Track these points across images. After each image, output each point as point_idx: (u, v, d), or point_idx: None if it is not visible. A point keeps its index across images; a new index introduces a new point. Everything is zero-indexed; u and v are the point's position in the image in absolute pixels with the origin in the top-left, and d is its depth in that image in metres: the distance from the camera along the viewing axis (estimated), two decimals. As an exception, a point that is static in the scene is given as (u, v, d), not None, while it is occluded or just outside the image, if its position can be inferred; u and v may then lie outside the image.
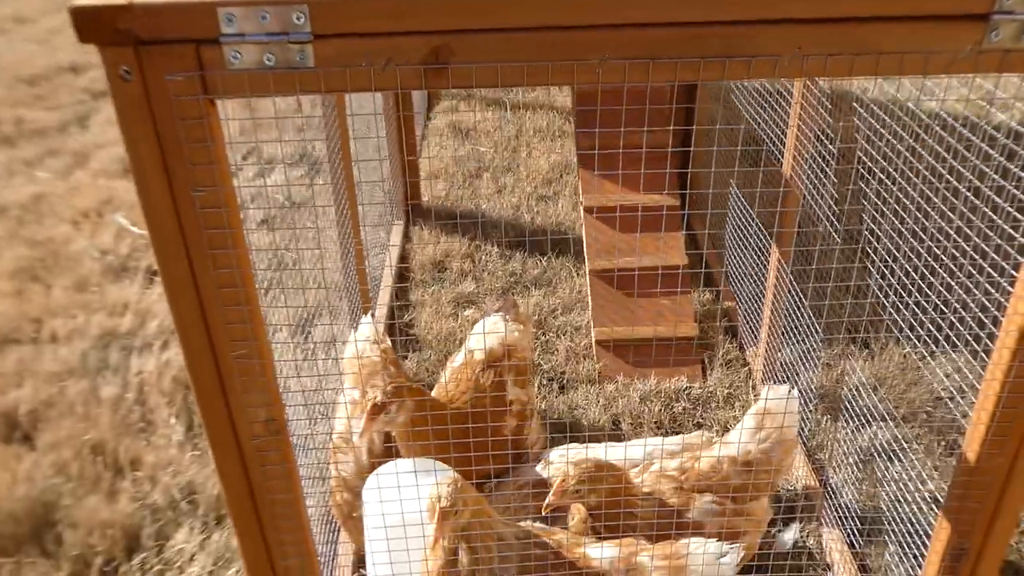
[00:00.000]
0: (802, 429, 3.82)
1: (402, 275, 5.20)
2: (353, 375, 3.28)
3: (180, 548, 3.49)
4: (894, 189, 2.84)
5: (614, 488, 2.62)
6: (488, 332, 3.40)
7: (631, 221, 4.53)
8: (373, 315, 3.88)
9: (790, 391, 2.82)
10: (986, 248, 2.42)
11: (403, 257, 5.38)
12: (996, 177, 2.33)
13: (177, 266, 1.72)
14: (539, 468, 3.09)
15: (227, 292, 1.77)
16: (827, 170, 3.34)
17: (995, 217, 2.36)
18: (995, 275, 2.32)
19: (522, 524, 2.62)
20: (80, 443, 4.00)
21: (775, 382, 2.88)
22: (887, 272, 2.91)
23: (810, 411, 3.83)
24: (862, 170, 3.00)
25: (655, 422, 3.98)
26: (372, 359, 3.30)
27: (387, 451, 3.05)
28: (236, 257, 1.72)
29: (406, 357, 4.51)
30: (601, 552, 2.50)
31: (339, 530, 3.48)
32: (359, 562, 3.31)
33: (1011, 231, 2.26)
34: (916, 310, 2.74)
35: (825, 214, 3.39)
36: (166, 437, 4.10)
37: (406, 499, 2.41)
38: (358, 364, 3.29)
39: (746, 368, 4.33)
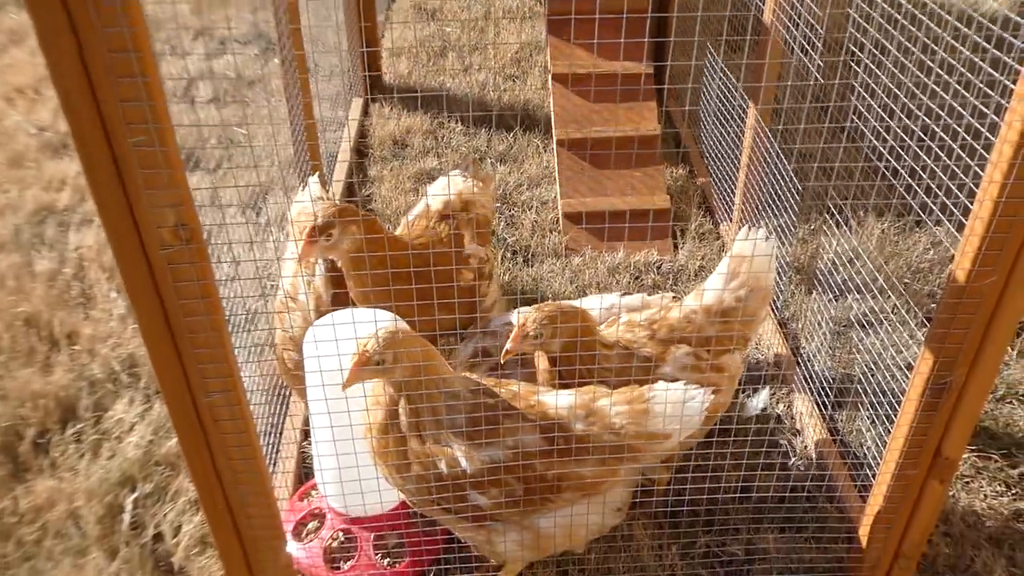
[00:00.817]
0: (776, 297, 3.66)
1: (360, 151, 4.91)
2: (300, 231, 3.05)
3: (119, 419, 3.29)
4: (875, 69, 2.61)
5: (577, 333, 2.43)
6: (446, 186, 3.16)
7: (602, 89, 4.26)
8: (321, 177, 3.61)
9: (767, 236, 2.61)
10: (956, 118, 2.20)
11: (362, 133, 5.08)
12: (976, 59, 2.09)
13: (52, 16, 1.44)
14: (498, 323, 2.89)
15: (118, 58, 1.50)
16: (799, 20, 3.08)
17: (967, 95, 2.14)
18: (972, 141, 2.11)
19: (473, 376, 2.43)
20: (11, 315, 3.75)
21: (751, 227, 2.67)
22: (861, 141, 2.70)
23: (784, 283, 3.66)
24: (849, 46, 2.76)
25: (623, 294, 3.80)
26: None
27: (336, 306, 2.84)
28: (123, 6, 1.44)
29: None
30: (556, 399, 2.32)
31: (287, 401, 3.29)
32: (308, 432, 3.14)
33: (983, 107, 2.03)
34: (901, 175, 2.54)
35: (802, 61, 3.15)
36: (106, 311, 3.85)
37: (344, 351, 2.20)
38: (298, 219, 3.06)
39: (719, 241, 4.14)
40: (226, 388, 1.98)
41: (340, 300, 2.92)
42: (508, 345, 2.43)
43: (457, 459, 2.25)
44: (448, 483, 2.25)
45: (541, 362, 2.58)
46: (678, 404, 2.21)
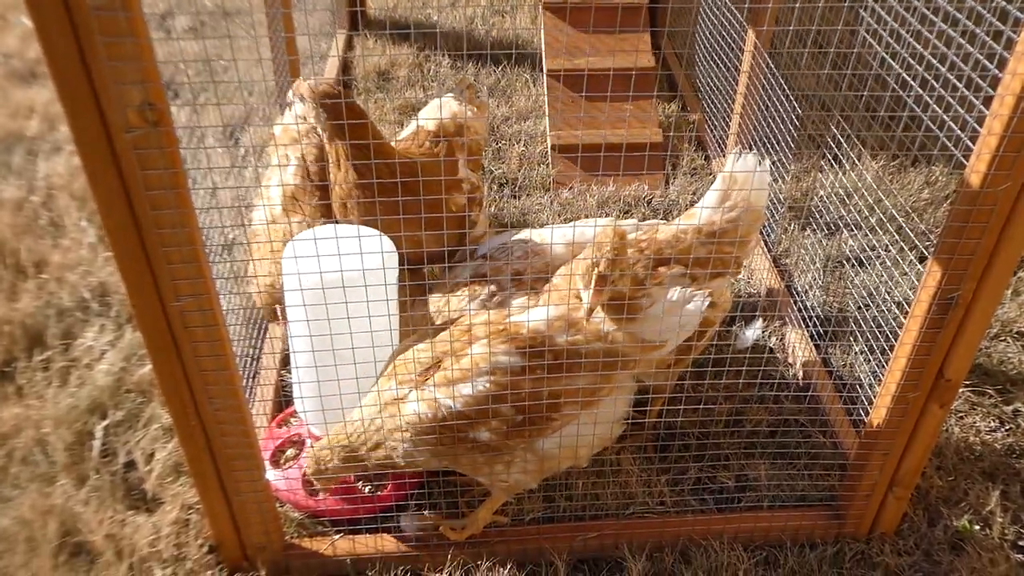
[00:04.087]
0: (767, 235, 3.57)
1: (344, 84, 4.74)
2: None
3: (88, 346, 3.16)
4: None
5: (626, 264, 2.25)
6: (440, 108, 3.03)
7: (595, 19, 4.11)
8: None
9: (760, 159, 2.50)
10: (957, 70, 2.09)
11: (346, 66, 4.91)
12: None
13: None
14: (493, 245, 2.77)
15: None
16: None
17: (965, 44, 2.04)
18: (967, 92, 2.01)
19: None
20: (-25, 242, 3.59)
21: (743, 150, 2.56)
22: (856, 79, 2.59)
23: (778, 220, 3.57)
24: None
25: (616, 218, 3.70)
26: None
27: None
28: None
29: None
30: (531, 316, 2.20)
31: (264, 331, 3.18)
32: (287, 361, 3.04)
33: (983, 60, 1.92)
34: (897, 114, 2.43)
35: None
36: (76, 240, 3.70)
37: (325, 267, 2.08)
38: (281, 139, 2.93)
39: (711, 177, 4.03)
40: (197, 291, 1.86)
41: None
42: (591, 301, 2.13)
43: (440, 402, 2.15)
44: (440, 425, 2.16)
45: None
46: (673, 308, 2.11)
